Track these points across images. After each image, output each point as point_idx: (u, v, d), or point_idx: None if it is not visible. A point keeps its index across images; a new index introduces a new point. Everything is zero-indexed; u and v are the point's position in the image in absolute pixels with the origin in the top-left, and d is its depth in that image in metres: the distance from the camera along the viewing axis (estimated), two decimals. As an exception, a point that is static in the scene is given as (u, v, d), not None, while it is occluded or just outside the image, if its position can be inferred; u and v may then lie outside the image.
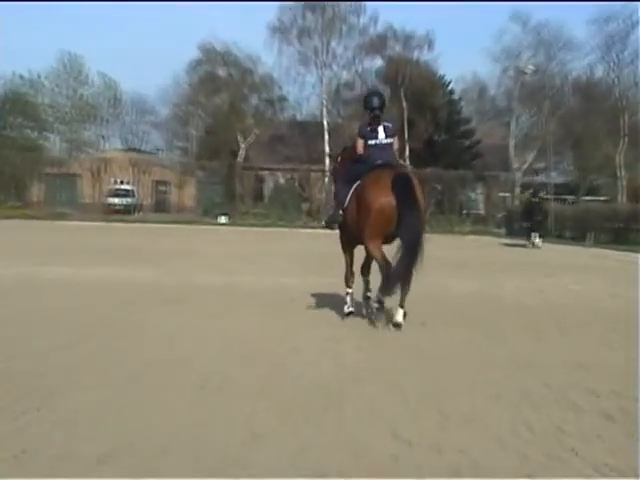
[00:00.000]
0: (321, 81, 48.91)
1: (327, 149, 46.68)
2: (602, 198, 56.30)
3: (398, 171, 7.20)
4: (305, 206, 45.70)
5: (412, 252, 6.75)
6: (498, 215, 43.12)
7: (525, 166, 53.49)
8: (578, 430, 3.93)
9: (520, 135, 55.21)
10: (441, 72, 50.13)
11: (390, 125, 7.62)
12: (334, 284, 9.17)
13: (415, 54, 48.11)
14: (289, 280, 11.23)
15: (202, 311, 7.72)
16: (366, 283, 8.04)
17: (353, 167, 7.59)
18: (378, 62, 50.02)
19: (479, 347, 6.16)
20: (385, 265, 6.88)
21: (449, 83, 50.84)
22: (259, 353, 5.66)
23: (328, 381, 4.82)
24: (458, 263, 16.33)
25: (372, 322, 7.25)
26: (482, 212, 46.03)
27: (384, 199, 6.92)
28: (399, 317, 6.93)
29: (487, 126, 58.73)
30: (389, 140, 7.54)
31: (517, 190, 49.72)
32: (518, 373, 5.18)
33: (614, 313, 8.44)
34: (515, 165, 52.42)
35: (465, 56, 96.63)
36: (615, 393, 4.67)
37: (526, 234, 25.15)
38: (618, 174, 53.07)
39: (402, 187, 6.92)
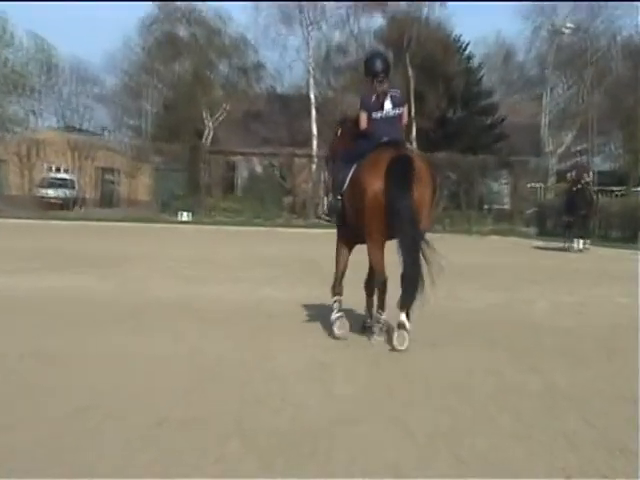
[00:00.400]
0: (307, 44, 48.95)
1: (315, 129, 46.71)
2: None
3: (400, 151, 7.39)
4: (287, 200, 45.74)
5: (410, 248, 7.03)
6: (527, 211, 43.22)
7: (561, 149, 53.22)
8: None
9: (555, 111, 55.07)
10: (456, 33, 50.45)
11: (398, 94, 7.83)
12: (323, 297, 9.16)
13: (424, 11, 48.16)
14: (267, 292, 11.23)
15: (159, 332, 7.71)
16: (369, 305, 8.05)
17: (355, 144, 7.81)
18: (378, 21, 50.04)
19: (502, 375, 6.18)
20: (380, 278, 7.34)
21: (466, 46, 51.02)
22: (229, 383, 5.65)
23: (314, 418, 4.80)
24: (477, 271, 16.46)
25: (369, 339, 7.43)
26: (507, 207, 46.26)
27: (379, 183, 7.14)
28: (403, 316, 7.06)
29: (514, 100, 58.82)
30: (397, 111, 7.75)
31: (551, 180, 49.71)
32: (552, 407, 5.18)
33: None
34: (549, 148, 52.28)
35: (487, 13, 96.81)
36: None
37: (566, 233, 24.83)
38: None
39: (399, 171, 7.11)
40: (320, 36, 49.58)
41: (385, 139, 7.55)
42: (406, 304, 7.08)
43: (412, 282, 7.05)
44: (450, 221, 39.73)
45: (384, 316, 7.57)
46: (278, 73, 51.84)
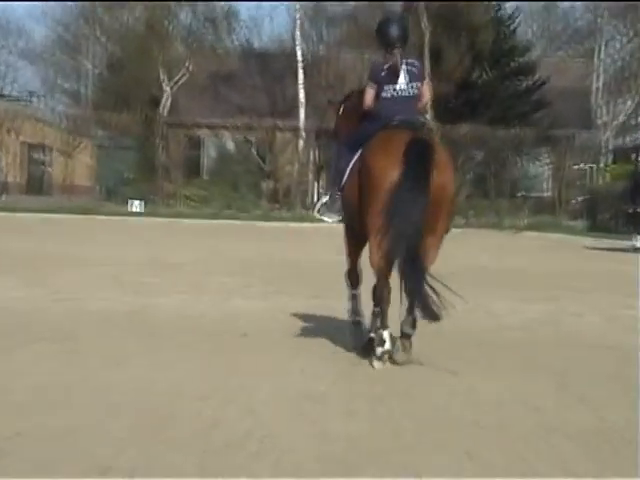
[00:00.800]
0: (293, -14, 48.89)
1: (302, 95, 46.65)
2: None
3: (417, 134, 7.54)
4: (267, 186, 45.71)
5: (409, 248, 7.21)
6: (575, 200, 43.15)
7: (618, 121, 53.13)
8: None
9: (611, 71, 54.98)
10: (484, -27, 50.13)
11: (416, 66, 8.06)
12: (313, 308, 9.16)
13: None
14: (240, 303, 11.27)
15: (100, 354, 7.68)
16: (375, 316, 8.09)
17: (360, 126, 8.08)
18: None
19: (542, 410, 6.16)
20: (382, 286, 7.55)
21: (497, -11, 51.01)
22: (190, 423, 5.60)
23: (302, 466, 4.73)
24: (510, 277, 16.50)
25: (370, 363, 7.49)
26: (548, 194, 46.38)
27: (396, 173, 7.24)
28: (408, 326, 7.44)
29: (558, 58, 58.75)
30: (414, 88, 7.96)
31: (605, 159, 49.72)
32: (605, 451, 5.13)
33: None
34: (602, 119, 52.21)
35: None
36: None
37: (632, 227, 24.80)
38: None
39: (416, 158, 7.25)
40: (310, -24, 49.53)
41: (397, 119, 7.73)
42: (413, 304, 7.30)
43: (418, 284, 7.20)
44: (475, 213, 39.65)
45: (387, 334, 7.54)
46: (255, 24, 51.99)
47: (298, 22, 48.65)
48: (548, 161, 47.01)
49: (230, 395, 6.33)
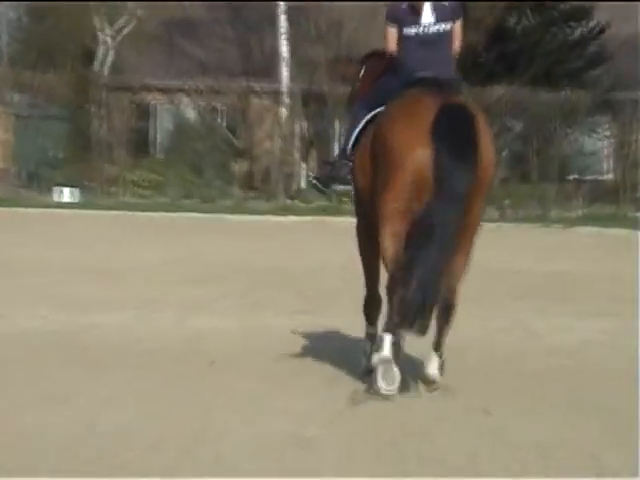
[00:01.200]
0: None
1: (285, 49, 46.36)
2: None
3: (450, 98, 7.75)
4: (240, 167, 45.40)
5: (441, 244, 7.46)
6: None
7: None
8: None
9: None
10: None
11: (446, 1, 8.32)
12: (302, 327, 9.23)
13: None
14: (205, 322, 11.26)
15: (26, 390, 7.68)
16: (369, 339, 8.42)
17: (379, 79, 8.50)
18: None
19: (596, 458, 6.16)
20: (398, 274, 7.57)
21: None
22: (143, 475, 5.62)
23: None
24: (558, 285, 16.50)
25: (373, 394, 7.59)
26: (609, 177, 45.55)
27: (423, 150, 7.51)
28: (432, 368, 7.65)
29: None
30: (442, 26, 8.20)
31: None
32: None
33: None
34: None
35: None
36: None
37: None
38: None
39: (452, 130, 7.49)
40: None
41: (420, 74, 7.93)
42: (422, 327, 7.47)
43: (440, 298, 7.54)
44: (512, 202, 39.36)
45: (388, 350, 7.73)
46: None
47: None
48: (609, 133, 46.32)
49: (191, 442, 6.35)
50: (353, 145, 8.31)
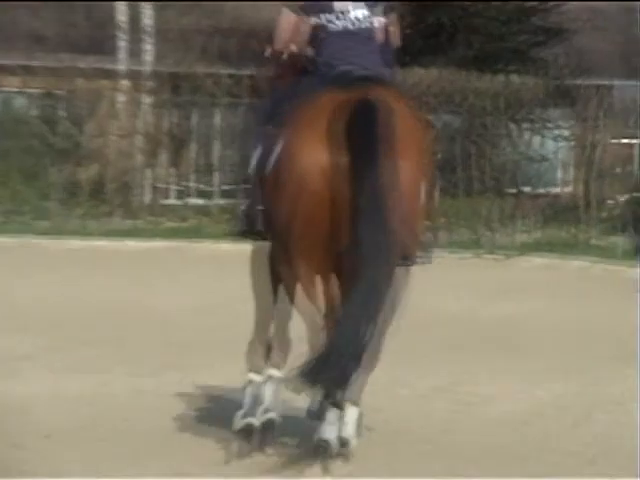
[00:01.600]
0: None
1: (123, 15, 43.91)
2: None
3: (368, 93, 7.29)
4: (85, 172, 41.95)
5: (372, 281, 7.01)
6: (613, 200, 40.91)
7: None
8: None
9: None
10: None
11: None
12: (152, 391, 9.36)
13: None
14: (26, 385, 10.09)
15: None
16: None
17: (296, 82, 8.01)
18: None
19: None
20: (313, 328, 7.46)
21: None
22: None
23: None
24: (504, 334, 15.37)
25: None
26: (567, 191, 42.65)
27: (322, 155, 7.18)
28: (348, 428, 7.32)
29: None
30: (371, 20, 7.80)
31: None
32: None
33: None
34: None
35: None
36: None
37: None
38: None
39: (367, 132, 7.11)
40: None
41: (344, 70, 7.61)
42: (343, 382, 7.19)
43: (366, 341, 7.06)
44: (444, 225, 36.70)
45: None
46: None
47: None
48: (568, 133, 42.71)
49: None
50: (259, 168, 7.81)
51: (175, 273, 19.87)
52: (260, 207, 7.77)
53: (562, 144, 40.10)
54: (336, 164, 7.06)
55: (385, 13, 7.93)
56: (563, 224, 36.26)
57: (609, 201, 38.07)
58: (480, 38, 40.11)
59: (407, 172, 7.14)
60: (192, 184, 36.30)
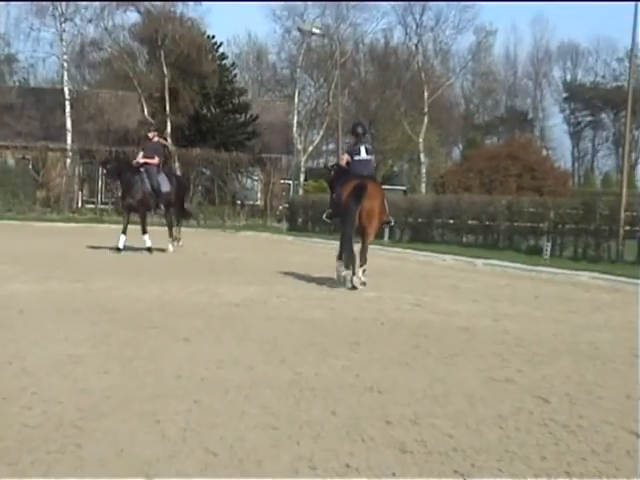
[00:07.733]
0: (61, 38, 46.99)
1: (69, 123, 45.39)
2: (401, 187, 59.33)
3: (363, 181, 12.20)
4: (41, 193, 44.19)
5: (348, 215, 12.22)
6: (279, 207, 44.02)
7: (311, 148, 55.50)
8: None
9: (305, 111, 56.93)
10: (210, 32, 49.75)
11: (370, 146, 13.27)
12: (76, 289, 8.64)
13: (179, 9, 47.17)
14: (17, 286, 10.59)
15: None
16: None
17: (342, 175, 12.85)
18: (133, 16, 48.35)
19: (254, 368, 6.13)
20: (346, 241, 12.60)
21: (220, 46, 50.85)
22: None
23: (65, 416, 4.61)
24: (235, 265, 16.47)
25: None
26: (259, 203, 46.97)
27: (348, 194, 12.34)
28: (358, 280, 12.41)
29: (266, 99, 60.03)
30: (369, 156, 12.89)
31: (301, 176, 51.90)
32: (298, 396, 5.21)
33: (415, 323, 8.77)
34: (299, 146, 54.00)
35: (239, 12, 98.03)
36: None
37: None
38: (421, 159, 56.33)
39: (358, 189, 12.12)
40: (74, 31, 47.58)
41: (359, 173, 12.44)
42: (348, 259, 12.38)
43: (346, 242, 12.26)
44: (205, 216, 39.96)
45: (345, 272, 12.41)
46: (31, 66, 49.85)
47: (65, 66, 47.26)
48: (259, 177, 47.70)
49: (7, 359, 6.02)
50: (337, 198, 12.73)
51: (87, 237, 19.76)
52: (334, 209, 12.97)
53: (257, 182, 44.91)
54: (353, 197, 12.12)
55: (372, 154, 13.25)
56: (258, 217, 42.57)
57: (279, 207, 42.52)
58: (222, 135, 43.63)
59: (377, 200, 12.48)
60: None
